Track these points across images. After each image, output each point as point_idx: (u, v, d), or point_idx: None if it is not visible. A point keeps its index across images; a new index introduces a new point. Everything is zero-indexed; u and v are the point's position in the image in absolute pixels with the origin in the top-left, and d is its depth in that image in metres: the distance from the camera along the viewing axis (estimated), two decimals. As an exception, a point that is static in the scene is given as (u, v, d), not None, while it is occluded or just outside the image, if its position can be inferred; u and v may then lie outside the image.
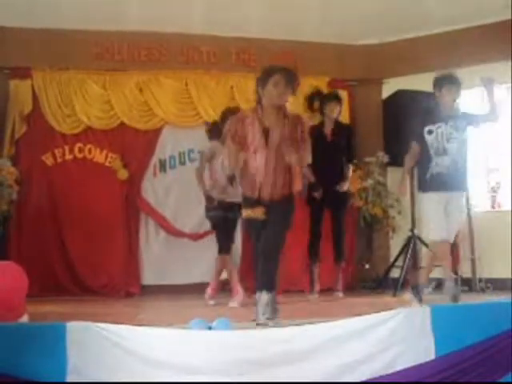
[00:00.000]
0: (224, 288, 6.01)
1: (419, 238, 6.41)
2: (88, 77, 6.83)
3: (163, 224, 6.91)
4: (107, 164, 6.82)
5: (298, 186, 4.03)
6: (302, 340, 3.03)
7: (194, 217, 6.74)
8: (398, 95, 6.82)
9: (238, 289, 5.58)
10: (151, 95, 6.91)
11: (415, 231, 6.51)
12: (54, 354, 2.89)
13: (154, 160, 6.97)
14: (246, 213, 4.08)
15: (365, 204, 6.95)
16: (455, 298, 4.63)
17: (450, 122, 4.71)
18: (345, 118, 6.86)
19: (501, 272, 6.35)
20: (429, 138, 4.74)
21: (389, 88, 7.18)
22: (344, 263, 6.18)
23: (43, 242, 6.56)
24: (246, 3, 6.62)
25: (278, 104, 4.05)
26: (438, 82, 4.80)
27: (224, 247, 5.61)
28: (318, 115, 6.59)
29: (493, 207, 6.95)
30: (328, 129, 6.02)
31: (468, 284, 6.37)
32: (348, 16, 6.79)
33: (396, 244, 6.89)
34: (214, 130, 5.73)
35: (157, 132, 6.98)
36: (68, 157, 6.79)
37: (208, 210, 5.73)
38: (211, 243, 6.00)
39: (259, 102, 4.10)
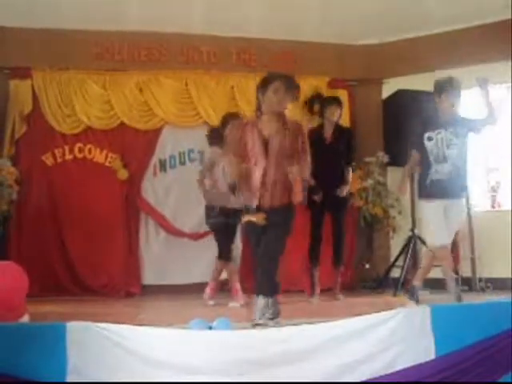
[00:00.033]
0: (223, 288, 6.02)
1: (419, 238, 6.41)
2: (88, 77, 6.83)
3: (163, 224, 6.91)
4: (107, 164, 6.82)
5: (298, 197, 4.02)
6: (302, 340, 3.03)
7: (194, 216, 6.74)
8: (398, 95, 6.82)
9: (238, 289, 5.58)
10: (151, 95, 6.91)
11: (415, 231, 6.52)
12: (54, 354, 2.89)
13: (154, 160, 6.97)
14: (246, 217, 4.10)
15: (365, 204, 6.95)
16: (459, 299, 4.64)
17: (450, 128, 4.70)
18: (345, 117, 6.86)
19: (501, 272, 6.35)
20: (428, 145, 4.74)
21: (389, 88, 7.18)
22: (343, 267, 6.16)
23: (43, 242, 6.56)
24: (245, 3, 6.61)
25: (277, 111, 4.06)
26: (438, 88, 4.78)
27: (224, 253, 5.62)
28: (318, 118, 6.60)
29: (493, 207, 6.95)
30: (328, 132, 5.99)
31: (468, 283, 6.37)
32: (348, 16, 6.78)
33: (396, 244, 6.89)
34: (214, 136, 5.72)
35: (157, 132, 6.98)
36: (68, 157, 6.79)
37: (209, 216, 5.73)
38: (211, 243, 5.99)
39: (259, 108, 4.11)
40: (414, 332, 3.05)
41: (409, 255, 6.48)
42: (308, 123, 6.64)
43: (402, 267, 6.41)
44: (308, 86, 7.16)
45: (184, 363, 2.96)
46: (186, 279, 6.71)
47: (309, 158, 4.09)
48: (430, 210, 4.76)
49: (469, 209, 6.20)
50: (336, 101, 6.12)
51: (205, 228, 6.36)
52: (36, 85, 6.72)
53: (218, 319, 3.51)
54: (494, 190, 6.94)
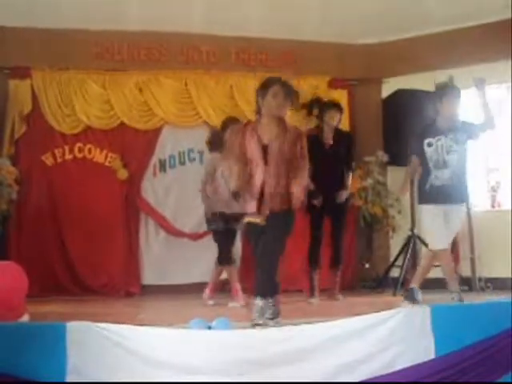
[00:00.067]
0: (224, 288, 6.01)
1: (419, 238, 6.41)
2: (88, 77, 6.83)
3: (163, 224, 6.91)
4: (107, 164, 6.81)
5: (297, 203, 4.02)
6: (302, 340, 3.04)
7: (194, 217, 6.74)
8: (398, 94, 6.81)
9: (238, 289, 5.58)
10: (151, 95, 6.90)
11: (415, 231, 6.52)
12: (54, 354, 2.89)
13: (154, 160, 6.97)
14: (246, 218, 4.11)
15: (364, 203, 6.95)
16: (461, 299, 4.65)
17: (450, 134, 4.69)
18: (345, 117, 6.84)
19: (501, 271, 6.35)
20: (428, 151, 4.73)
21: (389, 87, 7.18)
22: (341, 269, 6.14)
23: (43, 242, 6.55)
24: (245, 3, 6.62)
25: (277, 115, 4.07)
26: (439, 93, 4.78)
27: (225, 258, 5.62)
28: (315, 119, 6.60)
29: (493, 206, 6.94)
30: (328, 137, 5.98)
31: (468, 283, 6.36)
32: (348, 16, 6.78)
33: (396, 243, 6.89)
34: (214, 141, 5.72)
35: (156, 132, 6.98)
36: (68, 157, 6.79)
37: (209, 222, 5.74)
38: (211, 243, 5.99)
39: (259, 112, 4.12)
40: (414, 332, 3.05)
41: (408, 255, 6.48)
42: (306, 125, 6.65)
43: (402, 267, 6.41)
44: (308, 85, 7.16)
45: (184, 363, 2.96)
46: (185, 279, 6.71)
47: (307, 164, 4.09)
48: (429, 213, 4.76)
49: (469, 208, 6.20)
50: (336, 105, 6.10)
51: (204, 228, 6.35)
52: (36, 85, 6.72)
53: (217, 319, 3.51)
54: (493, 189, 6.94)
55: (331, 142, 5.96)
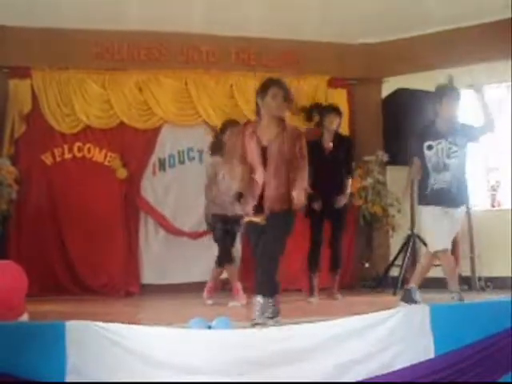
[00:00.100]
0: (224, 287, 6.02)
1: (418, 237, 6.41)
2: (87, 76, 6.83)
3: (163, 223, 6.91)
4: (106, 163, 6.81)
5: (298, 204, 4.03)
6: (302, 339, 3.04)
7: (194, 216, 6.74)
8: (398, 94, 6.81)
9: (239, 288, 5.58)
10: (151, 94, 6.90)
11: (415, 230, 6.52)
12: (54, 353, 2.89)
13: (154, 159, 6.96)
14: (247, 217, 4.11)
15: (364, 203, 6.95)
16: (462, 299, 4.65)
17: (450, 137, 4.69)
18: (344, 117, 6.84)
19: (501, 271, 6.35)
20: (428, 154, 4.73)
21: (388, 87, 7.17)
22: (339, 273, 6.14)
23: (43, 242, 6.56)
24: (245, 3, 6.62)
25: (276, 116, 4.07)
26: (439, 95, 4.77)
27: (225, 259, 5.63)
28: (314, 122, 6.61)
29: (493, 206, 6.94)
30: (327, 141, 5.97)
31: (468, 283, 6.36)
32: (348, 16, 6.78)
33: (396, 243, 6.89)
34: (216, 145, 5.73)
35: (156, 131, 6.98)
36: (67, 156, 6.79)
37: (209, 224, 5.76)
38: (211, 242, 6.00)
39: (258, 113, 4.12)
40: (413, 331, 3.05)
41: (408, 254, 6.48)
42: (304, 127, 6.64)
43: (401, 266, 6.41)
44: (308, 85, 7.16)
45: (184, 363, 2.96)
46: (185, 278, 6.71)
47: (307, 164, 4.10)
48: (429, 214, 4.76)
49: (468, 208, 6.20)
50: (335, 110, 6.10)
51: (204, 227, 6.36)
52: (35, 84, 6.72)
53: (217, 318, 3.51)
54: (493, 189, 6.94)
55: (331, 146, 5.95)
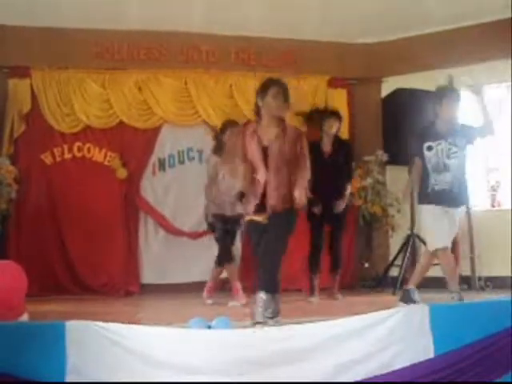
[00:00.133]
0: (224, 287, 6.02)
1: (418, 237, 6.41)
2: (87, 76, 6.82)
3: (162, 223, 6.91)
4: (106, 163, 6.81)
5: (299, 204, 4.04)
6: (302, 339, 3.04)
7: (194, 215, 6.74)
8: (397, 94, 6.82)
9: (239, 288, 5.58)
10: (150, 94, 6.90)
11: (414, 230, 6.52)
12: (54, 353, 2.89)
13: (153, 159, 6.96)
14: (248, 216, 4.11)
15: (364, 203, 6.95)
16: (461, 299, 4.65)
17: (450, 138, 4.69)
18: (344, 116, 6.85)
19: (500, 270, 6.35)
20: (428, 154, 4.74)
21: (388, 86, 7.18)
22: (339, 274, 6.13)
23: (42, 241, 6.56)
24: (245, 3, 6.62)
25: (277, 115, 4.07)
26: (439, 96, 4.77)
27: (224, 258, 5.62)
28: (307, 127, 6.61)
29: (493, 206, 6.95)
30: (327, 145, 5.96)
31: (467, 282, 6.36)
32: (348, 16, 6.79)
33: (395, 242, 6.90)
34: (216, 145, 5.74)
35: (156, 131, 6.98)
36: (67, 156, 6.79)
37: (210, 223, 5.75)
38: (210, 242, 6.00)
39: (258, 113, 4.13)
40: (413, 331, 3.05)
41: (408, 254, 6.48)
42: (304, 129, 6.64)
43: (401, 266, 6.41)
44: (308, 85, 7.16)
45: (183, 362, 2.96)
46: (185, 278, 6.71)
47: (308, 164, 4.11)
48: (429, 213, 4.76)
49: (468, 208, 6.20)
50: (334, 114, 6.10)
51: (204, 227, 6.36)
52: (35, 84, 6.72)
53: (217, 318, 3.51)
54: (493, 189, 6.94)
55: (330, 150, 5.95)
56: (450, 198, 4.69)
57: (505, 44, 6.29)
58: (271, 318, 3.85)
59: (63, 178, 6.72)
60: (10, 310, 3.65)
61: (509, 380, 2.95)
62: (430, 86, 5.07)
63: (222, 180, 5.53)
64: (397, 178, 6.99)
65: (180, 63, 7.01)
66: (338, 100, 7.20)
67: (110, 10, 6.49)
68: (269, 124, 4.09)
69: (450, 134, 4.70)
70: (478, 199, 6.80)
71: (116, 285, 6.62)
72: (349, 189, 6.04)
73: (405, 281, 5.94)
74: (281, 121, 4.11)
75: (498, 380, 2.95)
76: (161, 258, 6.89)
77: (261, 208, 4.03)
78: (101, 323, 3.00)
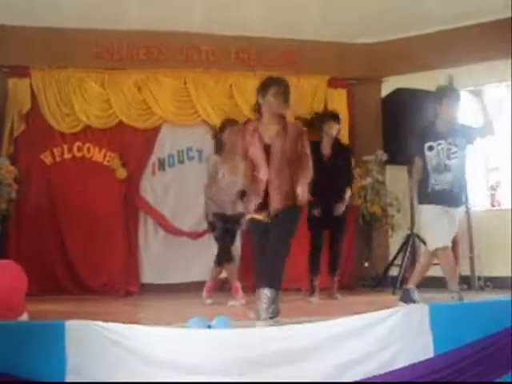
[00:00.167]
0: (224, 287, 6.01)
1: (418, 236, 6.41)
2: (87, 75, 6.82)
3: (162, 223, 6.91)
4: (106, 163, 6.81)
5: (302, 201, 4.05)
6: (302, 338, 3.03)
7: (193, 215, 6.74)
8: (397, 93, 6.81)
9: (239, 288, 5.58)
10: (150, 94, 6.90)
11: (414, 229, 6.52)
12: (53, 353, 2.89)
13: (153, 159, 6.96)
14: (249, 214, 4.12)
15: (364, 202, 6.95)
16: (461, 299, 4.65)
17: (450, 138, 4.70)
18: (344, 116, 6.87)
19: (500, 270, 6.35)
20: (429, 155, 4.74)
21: (388, 86, 7.18)
22: (338, 274, 6.13)
23: (42, 241, 6.55)
24: (245, 3, 6.62)
25: (278, 113, 4.07)
26: (439, 96, 4.78)
27: (224, 258, 5.62)
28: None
29: (492, 205, 6.95)
30: (326, 148, 5.96)
31: (467, 282, 6.37)
32: (348, 16, 6.79)
33: (395, 242, 6.90)
34: (216, 144, 5.75)
35: (155, 130, 6.97)
36: (67, 156, 6.79)
37: (210, 222, 5.75)
38: (210, 242, 6.00)
39: (258, 111, 4.13)
40: (413, 331, 3.05)
41: (407, 253, 6.49)
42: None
43: (401, 265, 6.41)
44: (308, 85, 7.16)
45: (183, 362, 2.95)
46: (185, 278, 6.71)
47: (310, 161, 4.11)
48: (429, 213, 4.76)
49: (468, 208, 6.21)
50: (334, 116, 6.09)
51: (204, 227, 6.36)
52: (35, 84, 6.72)
53: (216, 318, 3.51)
54: (493, 188, 6.95)
55: (329, 153, 5.94)
56: (450, 197, 4.70)
57: (505, 44, 6.29)
58: (271, 318, 3.85)
59: (63, 178, 6.72)
60: (10, 310, 3.65)
61: (509, 380, 2.95)
62: (430, 86, 5.07)
63: (221, 179, 5.54)
64: (396, 178, 7.00)
65: (180, 63, 7.01)
66: (338, 100, 7.20)
67: (110, 10, 6.49)
68: (269, 121, 4.09)
69: (450, 134, 4.71)
70: (477, 199, 6.81)
71: (116, 285, 6.62)
72: (349, 193, 6.03)
73: (404, 280, 5.94)
74: (282, 118, 4.11)
75: (497, 380, 2.95)
76: (160, 257, 6.88)
77: (263, 206, 4.03)
78: (101, 323, 3.00)
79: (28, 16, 6.40)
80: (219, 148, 5.63)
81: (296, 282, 6.37)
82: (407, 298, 4.71)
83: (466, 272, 6.44)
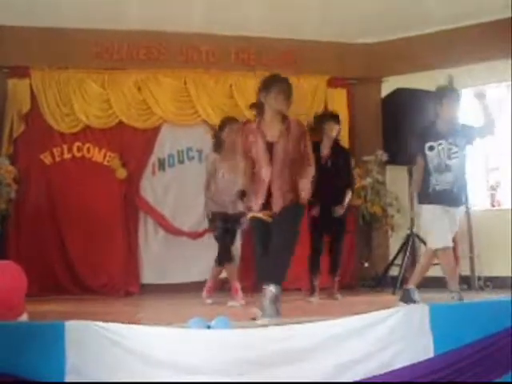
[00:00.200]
0: (223, 287, 6.01)
1: (418, 236, 6.41)
2: (87, 76, 6.82)
3: (162, 223, 6.90)
4: (106, 163, 6.81)
5: (304, 199, 4.06)
6: (302, 338, 3.03)
7: (193, 215, 6.74)
8: (397, 93, 6.81)
9: (238, 288, 5.58)
10: (150, 94, 6.90)
11: (414, 229, 6.52)
12: (53, 353, 2.88)
13: (153, 159, 6.96)
14: (251, 213, 4.12)
15: (364, 202, 6.95)
16: (461, 299, 4.65)
17: (450, 138, 4.70)
18: (344, 116, 6.87)
19: (500, 270, 6.35)
20: (430, 155, 4.74)
21: (388, 86, 7.18)
22: (338, 275, 6.13)
23: (42, 241, 6.55)
24: (245, 3, 6.61)
25: (279, 110, 4.07)
26: (439, 96, 4.78)
27: (224, 258, 5.62)
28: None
29: (492, 205, 6.95)
30: (326, 148, 5.96)
31: (467, 282, 6.36)
32: (348, 16, 6.79)
33: (395, 242, 6.90)
34: (215, 143, 5.74)
35: (155, 130, 6.97)
36: (66, 156, 6.79)
37: (211, 222, 5.76)
38: (210, 242, 5.99)
39: (259, 109, 4.13)
40: (413, 331, 3.05)
41: (407, 253, 6.48)
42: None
43: (401, 265, 6.41)
44: (308, 84, 7.16)
45: (183, 362, 2.95)
46: (185, 278, 6.71)
47: (312, 161, 4.12)
48: (429, 213, 4.76)
49: (468, 208, 6.20)
50: (334, 117, 6.09)
51: (204, 227, 6.36)
52: (34, 84, 6.71)
53: (216, 318, 3.51)
54: (493, 188, 6.95)
55: (329, 154, 5.93)
56: (451, 197, 4.70)
57: (505, 44, 6.29)
58: (275, 315, 3.85)
59: (63, 178, 6.72)
60: (10, 310, 3.64)
61: (509, 380, 2.95)
62: (430, 86, 5.07)
63: (221, 178, 5.54)
64: (396, 178, 7.00)
65: (180, 63, 7.01)
66: (338, 100, 7.21)
67: (110, 10, 6.49)
68: (272, 120, 4.09)
69: (451, 134, 4.71)
70: (477, 199, 6.81)
71: (116, 285, 6.62)
72: (349, 195, 6.02)
73: (405, 280, 5.94)
74: (284, 117, 4.11)
75: (497, 380, 2.95)
76: (160, 257, 6.88)
77: (265, 205, 4.03)
78: (101, 323, 2.99)
79: (28, 16, 6.40)
80: (218, 146, 5.63)
81: (296, 282, 6.36)
82: (407, 298, 4.71)
83: (466, 272, 6.44)
